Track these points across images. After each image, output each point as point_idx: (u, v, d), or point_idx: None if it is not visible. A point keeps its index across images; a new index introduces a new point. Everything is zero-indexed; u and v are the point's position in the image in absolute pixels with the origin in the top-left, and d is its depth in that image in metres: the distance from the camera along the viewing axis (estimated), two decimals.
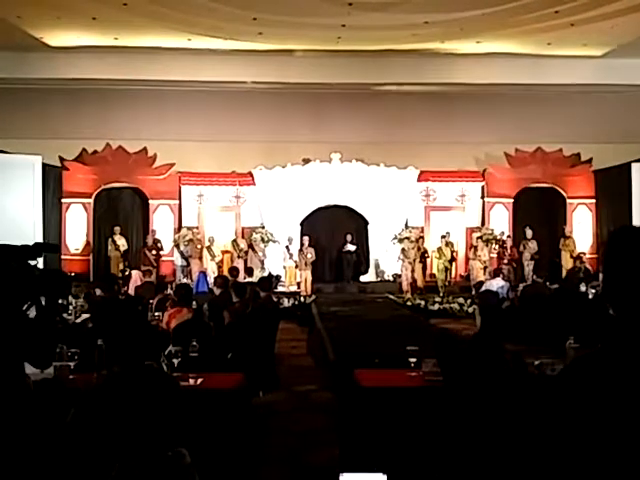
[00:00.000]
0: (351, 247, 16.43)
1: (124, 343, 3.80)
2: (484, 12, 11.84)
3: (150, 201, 16.91)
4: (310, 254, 15.67)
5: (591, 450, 1.40)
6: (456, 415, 3.05)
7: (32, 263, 2.67)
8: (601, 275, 10.68)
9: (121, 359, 3.29)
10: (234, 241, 16.47)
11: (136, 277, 13.38)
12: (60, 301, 3.34)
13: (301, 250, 15.81)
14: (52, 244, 3.88)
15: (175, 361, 4.30)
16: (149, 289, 9.67)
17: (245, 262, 15.79)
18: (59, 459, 1.86)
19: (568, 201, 17.28)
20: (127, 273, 14.20)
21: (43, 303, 2.68)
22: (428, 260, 16.41)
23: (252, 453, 4.50)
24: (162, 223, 16.83)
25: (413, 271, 15.79)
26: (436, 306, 13.43)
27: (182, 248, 16.11)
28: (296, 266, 15.96)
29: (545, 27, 12.58)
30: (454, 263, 16.27)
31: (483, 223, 17.09)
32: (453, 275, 16.32)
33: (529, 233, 16.20)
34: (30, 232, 14.00)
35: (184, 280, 14.77)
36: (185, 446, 1.80)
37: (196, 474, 1.77)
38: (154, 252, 15.92)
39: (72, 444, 1.79)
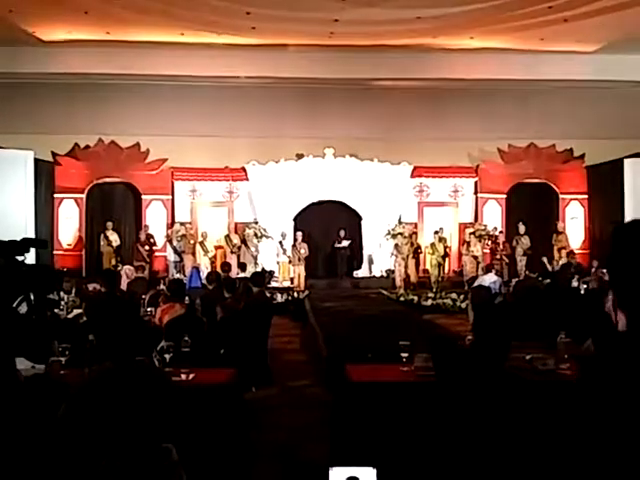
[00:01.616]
0: (344, 242, 16.44)
1: (116, 338, 3.79)
2: (477, 7, 11.84)
3: (143, 196, 16.86)
4: (303, 249, 15.67)
5: (609, 455, 1.37)
6: (449, 415, 3.06)
7: (20, 258, 2.65)
8: (601, 271, 10.63)
9: (113, 354, 3.28)
10: (227, 236, 16.45)
11: (124, 273, 13.12)
12: (51, 296, 3.33)
13: (294, 245, 15.81)
14: (40, 239, 3.86)
15: (167, 356, 4.30)
16: (141, 284, 9.65)
17: (238, 257, 15.77)
18: (49, 454, 1.85)
19: (561, 197, 17.35)
20: (119, 269, 14.15)
21: (32, 298, 2.67)
22: (421, 256, 16.45)
23: (244, 448, 4.50)
24: (155, 218, 16.79)
25: (406, 267, 15.81)
26: (429, 302, 13.46)
27: (175, 243, 16.08)
28: (289, 261, 15.96)
29: (538, 23, 12.57)
30: (447, 259, 16.30)
31: (476, 219, 17.12)
32: (446, 271, 16.34)
33: (522, 229, 16.24)
34: (22, 227, 13.93)
35: (177, 276, 14.74)
36: (177, 442, 1.79)
37: (183, 471, 1.75)
38: (147, 247, 15.89)
39: (62, 439, 1.78)
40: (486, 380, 3.11)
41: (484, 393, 3.03)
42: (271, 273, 15.71)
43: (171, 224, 16.58)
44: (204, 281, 12.03)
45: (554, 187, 17.35)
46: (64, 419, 1.83)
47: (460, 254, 16.58)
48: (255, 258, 16.01)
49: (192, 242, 16.11)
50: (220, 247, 16.56)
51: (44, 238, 14.22)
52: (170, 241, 16.19)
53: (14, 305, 2.64)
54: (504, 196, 17.26)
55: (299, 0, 11.62)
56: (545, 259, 14.89)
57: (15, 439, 2.41)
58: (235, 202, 17.14)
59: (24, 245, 2.68)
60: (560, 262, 15.02)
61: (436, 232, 16.14)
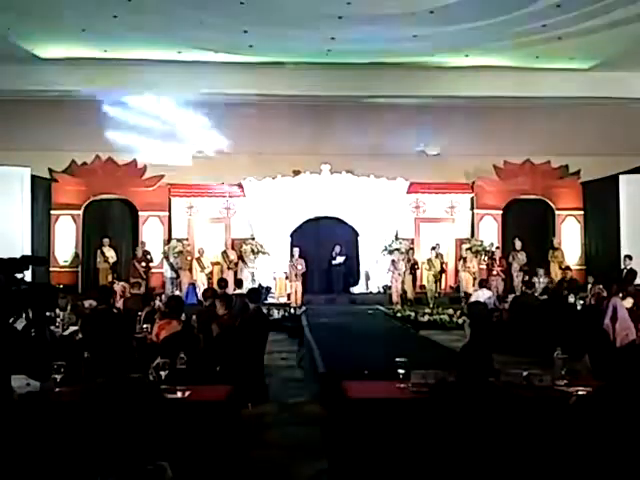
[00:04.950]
0: (340, 258, 16.44)
1: (111, 355, 3.78)
2: (472, 26, 11.94)
3: (140, 213, 16.87)
4: (300, 265, 15.67)
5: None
6: (444, 432, 3.05)
7: (19, 276, 2.66)
8: (598, 287, 10.53)
9: (106, 371, 3.27)
10: (224, 252, 16.45)
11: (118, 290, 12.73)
12: (47, 314, 3.33)
13: (291, 261, 15.81)
14: (39, 257, 3.88)
15: (163, 373, 4.28)
16: (137, 301, 9.63)
17: (235, 274, 15.76)
18: (43, 471, 1.85)
19: (557, 213, 17.41)
20: (115, 285, 14.11)
21: (30, 316, 2.67)
22: (418, 271, 16.45)
23: (241, 465, 4.48)
24: (152, 235, 16.79)
25: (403, 282, 15.82)
26: (426, 317, 13.46)
27: (172, 260, 16.06)
28: (286, 277, 15.94)
29: (533, 41, 12.68)
30: (444, 274, 16.32)
31: (473, 234, 17.16)
32: (443, 286, 16.36)
33: (518, 244, 16.28)
34: (19, 244, 13.92)
35: (177, 292, 14.70)
36: (173, 459, 1.79)
37: None
38: (143, 264, 15.87)
39: (56, 456, 1.77)
40: (475, 393, 3.11)
41: (476, 408, 3.03)
42: (268, 289, 15.69)
43: (168, 240, 16.57)
44: (200, 297, 12.02)
45: (550, 203, 17.41)
46: (56, 436, 1.83)
47: (457, 270, 16.60)
48: (252, 274, 16.00)
49: (189, 258, 16.10)
50: (217, 263, 16.55)
51: (40, 255, 14.20)
52: (167, 257, 16.18)
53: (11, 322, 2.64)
54: (500, 212, 17.32)
55: (296, 18, 11.69)
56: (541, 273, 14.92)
57: (9, 456, 2.40)
58: (232, 218, 17.17)
59: (23, 263, 2.69)
60: (557, 278, 15.06)
61: (433, 248, 16.16)
